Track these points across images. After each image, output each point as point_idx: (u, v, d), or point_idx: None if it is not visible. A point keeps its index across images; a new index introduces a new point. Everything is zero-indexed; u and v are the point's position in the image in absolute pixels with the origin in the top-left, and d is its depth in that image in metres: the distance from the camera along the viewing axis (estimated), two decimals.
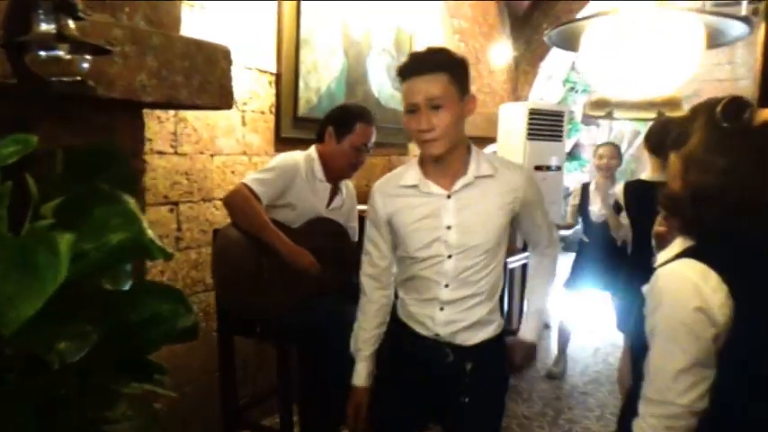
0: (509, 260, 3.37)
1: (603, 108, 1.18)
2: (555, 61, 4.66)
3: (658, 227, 1.20)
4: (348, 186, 2.29)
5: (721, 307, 0.92)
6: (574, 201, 3.68)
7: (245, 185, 1.89)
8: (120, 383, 1.18)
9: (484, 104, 4.48)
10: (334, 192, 2.18)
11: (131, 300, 1.12)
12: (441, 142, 1.33)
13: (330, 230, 2.08)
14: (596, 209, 3.43)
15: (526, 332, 1.61)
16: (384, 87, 3.46)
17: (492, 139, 4.33)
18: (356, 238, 2.33)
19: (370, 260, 1.55)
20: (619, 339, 3.97)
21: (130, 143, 1.71)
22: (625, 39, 1.08)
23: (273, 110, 2.68)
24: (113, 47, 1.34)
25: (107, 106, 1.53)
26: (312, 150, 2.13)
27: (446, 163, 1.39)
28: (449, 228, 1.39)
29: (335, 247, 2.05)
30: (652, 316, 0.98)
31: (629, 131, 7.04)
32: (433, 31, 4.03)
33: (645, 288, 1.01)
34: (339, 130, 2.07)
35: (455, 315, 1.42)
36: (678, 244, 1.02)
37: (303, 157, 2.08)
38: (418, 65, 1.33)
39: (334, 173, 2.12)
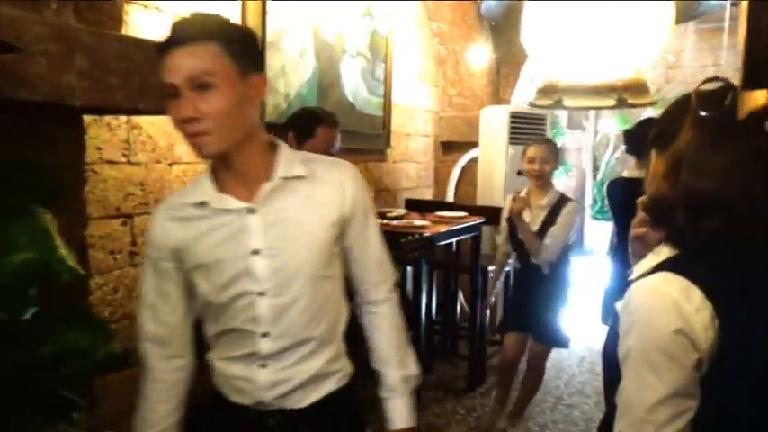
0: (490, 268, 3.26)
1: (551, 95, 1.05)
2: (536, 64, 4.58)
3: (635, 230, 1.08)
4: None
5: (706, 329, 0.80)
6: (504, 217, 2.76)
7: None
8: (39, 424, 1.05)
9: (465, 108, 4.38)
10: None
11: (38, 329, 0.98)
12: (215, 137, 0.98)
13: None
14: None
15: (399, 419, 1.21)
16: (359, 92, 3.35)
17: (473, 144, 4.23)
18: None
19: (153, 316, 1.14)
20: None
21: (69, 152, 1.59)
22: (575, 12, 0.96)
23: None
24: (34, 45, 1.21)
25: (38, 113, 1.40)
26: None
27: (241, 166, 1.05)
28: (255, 253, 1.04)
29: None
30: (625, 338, 0.85)
31: (614, 134, 6.98)
32: (410, 34, 3.93)
33: (618, 304, 0.89)
34: (300, 134, 1.95)
35: (282, 373, 1.09)
36: (657, 254, 0.91)
37: None
38: (178, 33, 0.98)
39: None
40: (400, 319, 1.23)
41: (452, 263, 3.46)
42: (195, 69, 0.96)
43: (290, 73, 2.77)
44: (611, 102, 0.97)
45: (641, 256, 1.11)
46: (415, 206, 3.65)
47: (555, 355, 3.75)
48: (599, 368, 3.78)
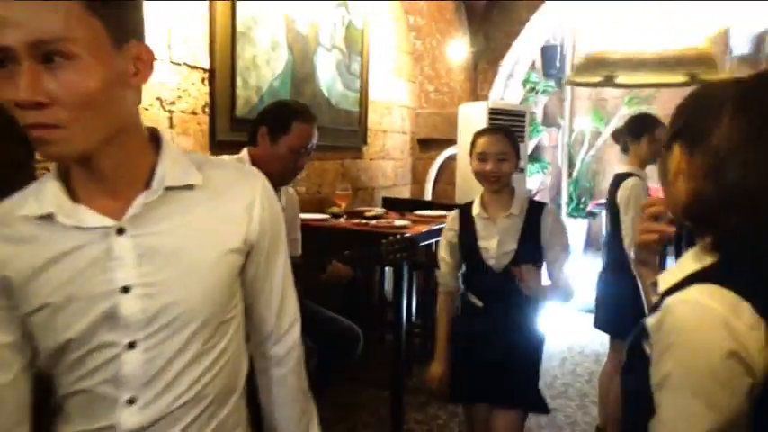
0: None
1: (597, 71, 0.93)
2: (515, 60, 4.50)
3: (643, 237, 0.97)
4: (288, 193, 2.03)
5: (760, 350, 0.69)
6: (448, 239, 1.99)
7: None
8: None
9: (442, 104, 4.29)
10: None
11: None
12: (71, 132, 0.68)
13: None
14: (492, 246, 1.85)
15: None
16: (334, 86, 3.22)
17: (451, 141, 4.13)
18: (299, 252, 2.08)
19: None
20: (588, 347, 3.82)
21: (18, 152, 1.43)
22: None
23: (207, 110, 2.40)
24: None
25: None
26: (243, 154, 1.87)
27: (108, 168, 0.76)
28: (124, 290, 0.76)
29: None
30: (662, 362, 0.73)
31: (589, 132, 6.98)
32: (386, 27, 3.81)
33: (650, 321, 0.78)
34: (274, 130, 1.81)
35: None
36: (687, 262, 0.80)
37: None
38: None
39: (270, 179, 1.85)
40: (305, 379, 0.97)
41: (433, 263, 3.36)
42: (44, 29, 0.65)
43: (261, 65, 2.63)
44: (680, 77, 0.85)
45: (648, 265, 1.01)
46: (393, 205, 3.54)
47: None
48: (581, 369, 3.75)
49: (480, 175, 1.88)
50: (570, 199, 7.03)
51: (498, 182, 1.85)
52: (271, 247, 0.89)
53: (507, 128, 2.07)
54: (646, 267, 1.01)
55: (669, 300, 0.75)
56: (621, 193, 2.34)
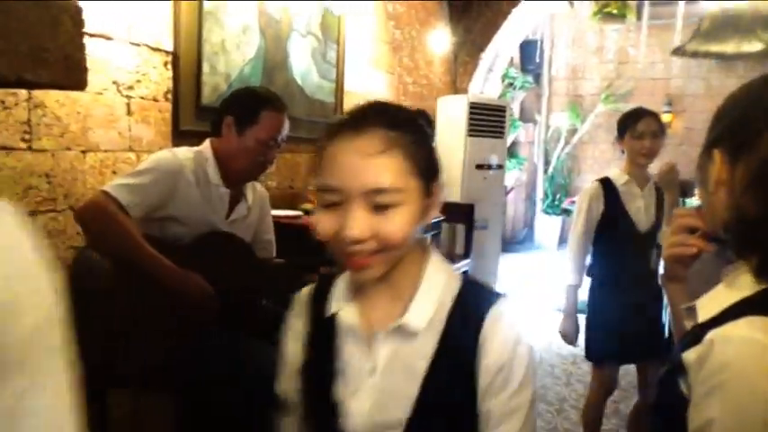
0: None
1: (735, 36, 0.78)
2: (495, 54, 4.39)
3: (678, 248, 0.84)
4: (256, 190, 1.86)
5: None
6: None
7: (106, 194, 1.44)
8: None
9: (421, 97, 4.14)
10: (236, 198, 1.75)
11: None
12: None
13: (228, 248, 1.65)
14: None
15: None
16: (309, 75, 3.04)
17: None
18: (273, 254, 1.91)
19: None
20: (565, 347, 3.73)
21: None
22: None
23: (170, 97, 2.20)
24: None
25: None
26: (205, 146, 1.69)
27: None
28: None
29: (235, 268, 1.63)
30: (705, 406, 0.62)
31: (565, 129, 6.93)
32: (364, 15, 3.64)
33: (689, 356, 0.65)
34: (240, 120, 1.63)
35: None
36: (730, 288, 0.68)
37: (192, 156, 1.63)
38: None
39: (236, 175, 1.68)
40: None
41: None
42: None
43: (230, 50, 2.44)
44: None
45: (678, 281, 0.89)
46: None
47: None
48: (558, 371, 3.67)
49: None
50: (545, 195, 6.99)
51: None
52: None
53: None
54: (675, 284, 0.89)
55: (714, 334, 0.63)
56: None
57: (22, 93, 1.67)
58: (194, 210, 1.59)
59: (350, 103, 3.46)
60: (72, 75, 1.24)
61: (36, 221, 1.75)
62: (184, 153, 1.63)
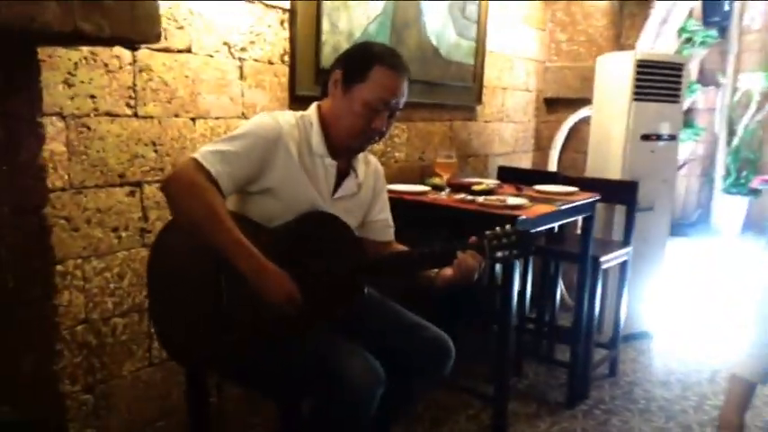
0: (603, 258, 2.58)
1: None
2: (671, 2, 3.68)
3: None
4: (370, 163, 1.60)
5: None
6: None
7: (196, 162, 1.27)
8: None
9: (577, 57, 3.60)
10: (345, 172, 1.51)
11: None
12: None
13: (329, 233, 1.41)
14: None
15: None
16: (445, 33, 2.71)
17: (586, 101, 3.47)
18: (390, 236, 1.65)
19: None
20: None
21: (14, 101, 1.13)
22: None
23: (287, 59, 2.02)
24: None
25: None
26: (312, 110, 1.47)
27: None
28: None
29: (336, 260, 1.39)
30: None
31: (758, 92, 5.79)
32: None
33: None
34: (348, 75, 1.39)
35: None
36: None
37: (295, 121, 1.42)
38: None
39: (340, 141, 1.44)
40: None
41: (555, 250, 2.80)
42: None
43: (353, 5, 2.19)
44: None
45: None
46: (510, 176, 3.00)
47: (676, 366, 3.03)
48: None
49: None
50: (728, 172, 5.96)
51: None
52: None
53: None
54: None
55: None
56: None
57: (126, 55, 1.57)
58: (294, 183, 1.38)
59: (492, 64, 3.08)
60: (140, 26, 1.06)
61: (143, 192, 1.67)
62: (287, 117, 1.42)
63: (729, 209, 5.93)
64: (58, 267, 1.50)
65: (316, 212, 1.40)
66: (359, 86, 1.38)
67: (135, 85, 1.60)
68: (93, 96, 1.51)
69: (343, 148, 1.45)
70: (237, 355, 1.31)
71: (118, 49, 1.55)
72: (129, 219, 1.65)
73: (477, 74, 2.99)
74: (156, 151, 1.68)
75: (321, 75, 2.08)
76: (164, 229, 1.39)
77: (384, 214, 1.63)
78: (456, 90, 2.87)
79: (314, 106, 1.48)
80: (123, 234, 1.64)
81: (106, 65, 1.53)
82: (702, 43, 5.54)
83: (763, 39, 5.89)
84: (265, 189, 1.36)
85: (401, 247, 1.61)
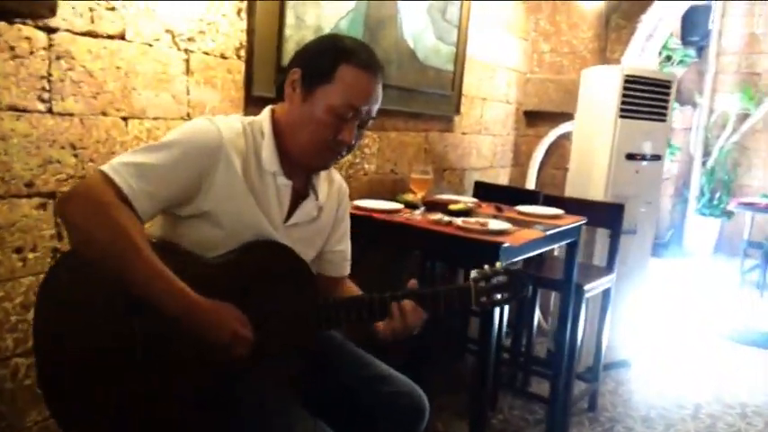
0: (587, 286, 2.37)
1: None
2: (658, 17, 3.54)
3: None
4: (333, 182, 1.34)
5: None
6: None
7: (104, 176, 0.99)
8: None
9: (560, 69, 3.42)
10: (302, 193, 1.25)
11: None
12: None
13: (278, 267, 1.14)
14: None
15: None
16: (424, 36, 2.48)
17: (567, 116, 3.29)
18: (345, 270, 1.39)
19: None
20: (731, 395, 2.87)
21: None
22: None
23: (243, 54, 1.76)
24: None
25: None
26: (264, 116, 1.20)
27: None
28: None
29: (291, 300, 1.12)
30: None
31: (735, 113, 5.75)
32: None
33: None
34: (309, 74, 1.12)
35: None
36: None
37: (242, 127, 1.15)
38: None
39: (298, 156, 1.18)
40: None
41: (534, 276, 2.58)
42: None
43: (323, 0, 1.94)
44: None
45: None
46: (488, 193, 2.78)
47: (660, 403, 2.85)
48: (722, 426, 2.85)
49: None
50: (701, 193, 5.89)
51: None
52: None
53: None
54: None
55: None
56: None
57: (39, 37, 1.28)
58: (236, 206, 1.11)
59: (472, 72, 2.87)
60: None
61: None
62: (230, 123, 1.14)
63: (702, 230, 5.86)
64: None
65: (262, 242, 1.13)
66: (322, 89, 1.12)
67: (50, 74, 1.32)
68: None
69: (301, 164, 1.19)
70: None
71: (29, 30, 1.26)
72: (39, 237, 1.36)
73: (456, 82, 2.77)
74: (76, 156, 1.39)
75: (282, 73, 1.82)
76: (56, 264, 1.08)
77: (343, 245, 1.37)
78: (433, 98, 2.65)
79: (267, 111, 1.21)
80: (30, 256, 1.34)
81: (12, 48, 1.24)
82: (681, 62, 5.48)
83: (739, 61, 5.86)
84: (200, 213, 1.09)
85: (354, 287, 1.37)
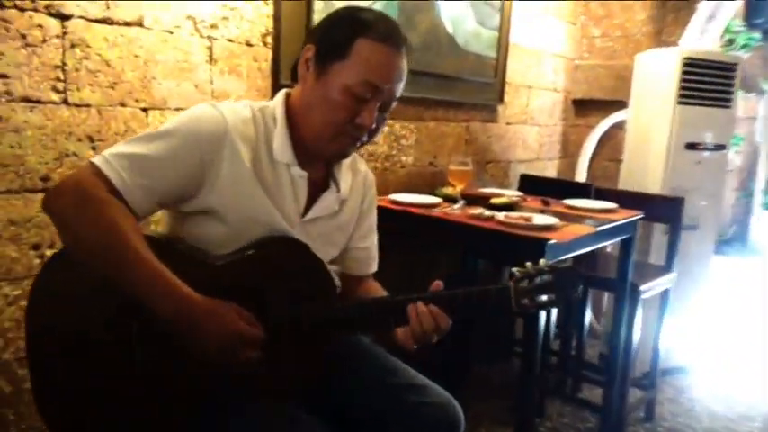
0: (643, 287, 2.19)
1: None
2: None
3: None
4: (359, 172, 1.23)
5: None
6: None
7: (94, 167, 0.90)
8: None
9: (612, 54, 3.21)
10: (321, 185, 1.14)
11: None
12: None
13: (295, 265, 1.03)
14: None
15: None
16: (464, 20, 2.35)
17: (621, 104, 3.08)
18: (370, 268, 1.28)
19: None
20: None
21: None
22: None
23: (270, 40, 1.67)
24: None
25: None
26: (277, 100, 1.09)
27: None
28: None
29: (306, 302, 1.01)
30: None
31: None
32: None
33: None
34: (323, 51, 1.01)
35: None
36: None
37: (251, 114, 1.04)
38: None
39: (313, 144, 1.06)
40: None
41: (587, 275, 2.40)
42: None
43: None
44: None
45: None
46: (534, 186, 2.62)
47: (725, 412, 2.62)
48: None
49: None
50: None
51: None
52: None
53: None
54: None
55: None
56: None
57: (52, 24, 1.23)
58: (245, 202, 1.00)
59: (517, 59, 2.71)
60: None
61: None
62: (238, 110, 1.03)
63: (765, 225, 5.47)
64: None
65: (273, 238, 1.03)
66: (337, 66, 1.00)
67: (65, 64, 1.26)
68: (4, 76, 1.17)
69: (316, 152, 1.07)
70: None
71: (41, 17, 1.21)
72: (56, 233, 1.30)
73: (499, 68, 2.62)
74: (93, 148, 1.33)
75: None
76: (46, 264, 0.99)
77: (368, 241, 1.25)
78: (475, 86, 2.50)
79: (281, 95, 1.10)
80: (48, 252, 1.30)
81: (23, 36, 1.19)
82: (744, 46, 5.10)
83: None
84: (205, 209, 0.99)
85: (377, 287, 1.25)
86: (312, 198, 1.11)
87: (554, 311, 2.47)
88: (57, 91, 1.26)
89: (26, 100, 1.21)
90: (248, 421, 0.96)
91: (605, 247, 2.61)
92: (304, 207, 1.09)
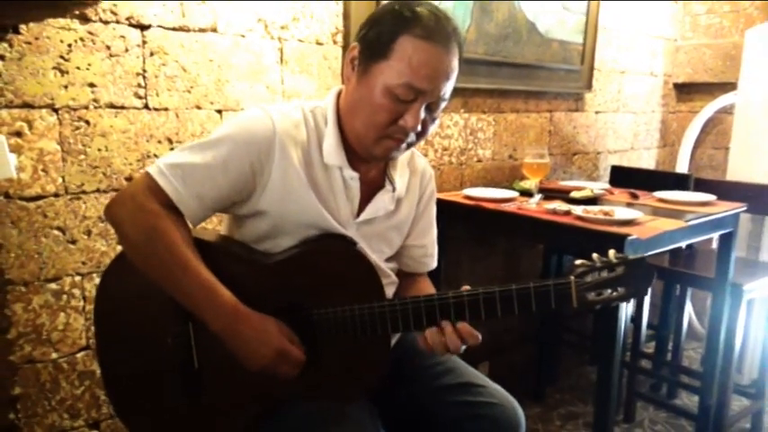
0: (747, 286, 1.99)
1: None
2: None
3: None
4: (417, 168, 1.21)
5: None
6: None
7: (149, 178, 0.95)
8: None
9: (718, 32, 2.94)
10: (375, 184, 1.12)
11: None
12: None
13: (345, 268, 1.02)
14: None
15: None
16: (545, 6, 2.24)
17: (728, 86, 2.82)
18: (429, 265, 1.26)
19: None
20: None
21: None
22: None
23: (340, 39, 1.70)
24: None
25: None
26: (329, 100, 1.09)
27: None
28: None
29: (357, 305, 1.00)
30: None
31: None
32: None
33: None
34: (367, 50, 1.00)
35: None
36: None
37: (302, 116, 1.04)
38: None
39: (358, 147, 1.04)
40: None
41: (680, 272, 2.22)
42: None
43: None
44: None
45: None
46: (626, 178, 2.46)
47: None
48: None
49: None
50: None
51: None
52: None
53: None
54: None
55: None
56: None
57: (133, 35, 1.32)
58: (297, 205, 1.01)
59: (607, 42, 2.56)
60: None
61: None
62: (287, 112, 1.03)
63: None
64: (52, 285, 1.29)
65: (328, 236, 1.04)
66: (378, 65, 0.97)
67: (145, 71, 1.35)
68: (92, 85, 1.28)
69: (362, 154, 1.05)
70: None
71: (123, 29, 1.30)
72: None
73: (586, 54, 2.48)
74: (172, 149, 1.42)
75: None
76: (109, 267, 1.05)
77: (426, 239, 1.22)
78: (558, 74, 2.39)
79: (332, 94, 1.09)
80: None
81: (108, 47, 1.29)
82: None
83: None
84: (258, 212, 1.02)
85: (427, 284, 1.22)
86: (367, 198, 1.10)
87: (645, 310, 2.31)
88: (138, 96, 1.36)
89: (111, 106, 1.32)
90: (303, 415, 0.98)
91: (709, 242, 2.41)
92: (358, 207, 1.09)
